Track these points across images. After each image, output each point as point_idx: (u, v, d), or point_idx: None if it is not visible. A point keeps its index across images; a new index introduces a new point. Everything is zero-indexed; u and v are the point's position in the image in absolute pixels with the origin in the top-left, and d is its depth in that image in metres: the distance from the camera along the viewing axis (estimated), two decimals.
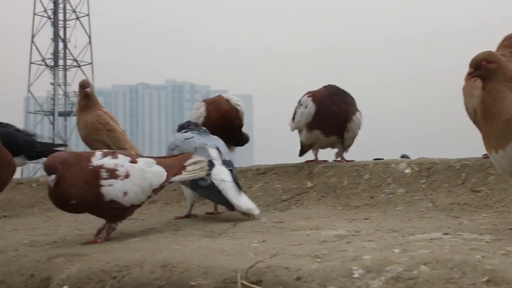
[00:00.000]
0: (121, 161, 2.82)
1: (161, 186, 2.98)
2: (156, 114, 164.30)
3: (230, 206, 3.17)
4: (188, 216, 3.45)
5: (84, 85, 4.98)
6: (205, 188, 3.23)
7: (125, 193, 2.77)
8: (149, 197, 2.94)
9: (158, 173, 2.95)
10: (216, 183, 3.20)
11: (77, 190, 2.69)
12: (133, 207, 2.89)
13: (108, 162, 2.78)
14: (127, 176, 2.78)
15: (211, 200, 3.42)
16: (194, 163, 3.08)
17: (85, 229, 3.19)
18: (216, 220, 3.28)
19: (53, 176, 2.65)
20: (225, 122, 4.15)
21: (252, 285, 1.93)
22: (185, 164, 3.06)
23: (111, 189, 2.73)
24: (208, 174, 3.22)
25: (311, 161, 4.12)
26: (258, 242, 2.46)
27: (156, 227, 3.17)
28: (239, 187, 3.23)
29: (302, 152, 4.42)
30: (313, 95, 4.08)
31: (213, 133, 3.65)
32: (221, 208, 3.49)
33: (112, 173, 2.74)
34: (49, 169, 2.67)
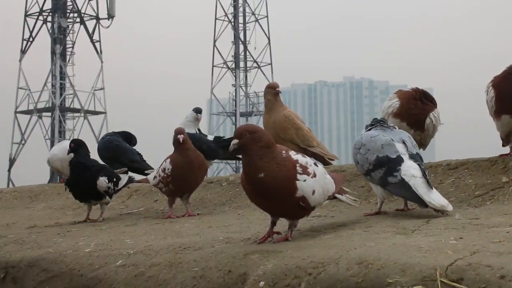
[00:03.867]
0: (309, 160, 2.84)
1: (329, 197, 2.99)
2: (334, 111, 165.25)
3: (422, 203, 3.08)
4: (378, 213, 3.41)
5: (274, 86, 5.19)
6: (395, 185, 3.17)
7: (313, 192, 2.78)
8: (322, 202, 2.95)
9: (331, 183, 2.97)
10: (406, 179, 3.13)
11: (263, 164, 2.69)
12: (313, 209, 2.89)
13: (301, 159, 2.80)
14: (314, 175, 2.80)
15: (402, 197, 3.36)
16: (348, 192, 3.25)
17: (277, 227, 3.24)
18: (407, 217, 3.21)
19: (235, 140, 2.70)
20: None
21: (453, 283, 1.88)
22: (344, 188, 3.20)
23: (304, 184, 2.72)
24: (398, 170, 3.17)
25: (506, 155, 3.92)
26: (455, 239, 2.38)
27: (347, 224, 3.16)
28: (428, 182, 3.14)
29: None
30: (493, 78, 3.89)
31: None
32: (411, 204, 3.42)
33: (305, 170, 2.75)
34: (236, 134, 2.74)
